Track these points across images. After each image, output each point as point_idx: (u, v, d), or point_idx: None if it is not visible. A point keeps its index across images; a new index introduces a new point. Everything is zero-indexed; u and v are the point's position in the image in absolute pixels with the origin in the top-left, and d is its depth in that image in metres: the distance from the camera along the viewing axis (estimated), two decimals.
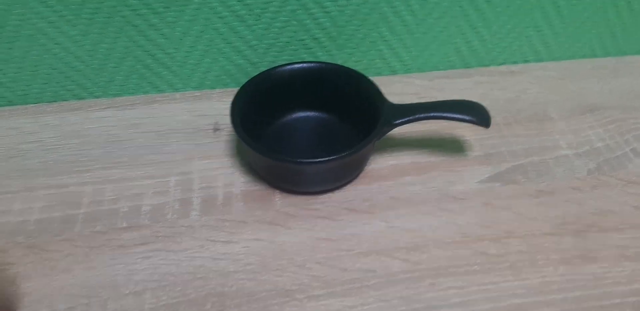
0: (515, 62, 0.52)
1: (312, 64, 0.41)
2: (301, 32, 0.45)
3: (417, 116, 0.37)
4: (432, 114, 0.37)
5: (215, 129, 0.41)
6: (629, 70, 0.51)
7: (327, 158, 0.33)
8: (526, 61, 0.52)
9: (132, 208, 0.36)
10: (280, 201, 0.37)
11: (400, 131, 0.43)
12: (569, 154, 0.42)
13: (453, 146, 0.42)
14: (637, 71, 0.51)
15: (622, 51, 0.53)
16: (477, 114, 0.38)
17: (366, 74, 0.50)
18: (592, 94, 0.48)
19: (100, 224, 0.35)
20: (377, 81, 0.49)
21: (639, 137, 0.44)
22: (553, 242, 0.36)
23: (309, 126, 0.42)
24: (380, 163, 0.41)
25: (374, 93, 0.38)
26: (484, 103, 0.45)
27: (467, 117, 0.38)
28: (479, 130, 0.44)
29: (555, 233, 0.37)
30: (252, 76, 0.46)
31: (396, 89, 0.48)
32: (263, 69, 0.46)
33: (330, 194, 0.38)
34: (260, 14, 0.43)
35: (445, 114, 0.37)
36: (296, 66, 0.40)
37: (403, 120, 0.37)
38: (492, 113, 0.44)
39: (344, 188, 0.38)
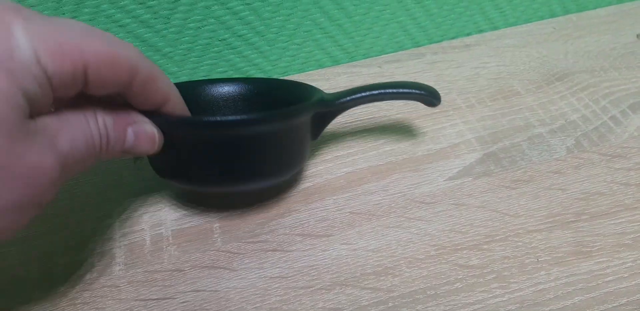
0: (469, 34, 0.47)
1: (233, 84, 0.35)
2: (221, 30, 0.39)
3: (360, 94, 0.32)
4: (376, 92, 0.32)
5: (136, 159, 0.36)
6: (593, 26, 0.46)
7: (245, 116, 0.27)
8: (481, 31, 0.47)
9: (42, 271, 0.30)
10: (221, 237, 0.32)
11: (351, 130, 0.38)
12: (543, 132, 0.38)
13: (413, 141, 0.37)
14: (601, 26, 0.46)
15: (583, 6, 0.48)
16: (424, 89, 0.33)
17: (306, 68, 0.44)
18: (557, 59, 0.43)
19: (4, 297, 0.29)
20: (319, 74, 0.43)
21: (617, 102, 0.39)
22: (540, 240, 0.31)
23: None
24: (333, 172, 0.35)
25: (309, 92, 0.32)
26: (441, 85, 0.41)
27: (415, 91, 0.33)
28: (439, 118, 0.39)
29: (541, 228, 0.32)
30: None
31: (340, 82, 0.42)
32: (184, 78, 0.40)
33: (279, 220, 0.33)
34: (169, 16, 0.37)
35: (390, 90, 0.32)
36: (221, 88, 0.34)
37: (345, 99, 0.32)
38: (451, 96, 0.40)
39: (295, 209, 0.33)
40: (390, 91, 0.32)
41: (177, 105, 0.27)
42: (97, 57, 0.21)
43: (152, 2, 0.36)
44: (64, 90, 0.21)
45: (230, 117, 0.27)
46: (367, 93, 0.32)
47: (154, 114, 0.26)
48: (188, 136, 0.28)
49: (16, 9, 0.20)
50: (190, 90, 0.31)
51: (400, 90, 0.33)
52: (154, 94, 0.25)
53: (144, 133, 0.26)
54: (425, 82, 0.38)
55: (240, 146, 0.28)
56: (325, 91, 0.32)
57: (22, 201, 0.20)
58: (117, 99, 0.25)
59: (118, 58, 0.22)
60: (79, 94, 0.23)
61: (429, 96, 0.33)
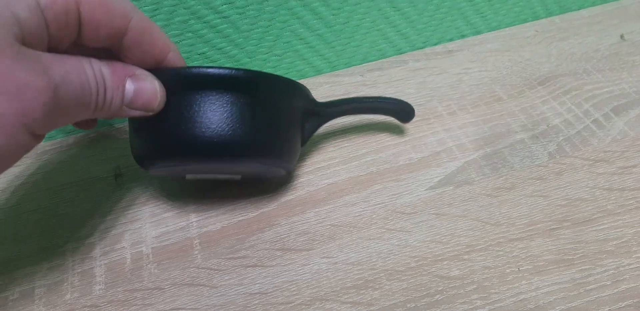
0: (451, 39, 0.47)
1: None
2: (199, 44, 0.39)
3: (343, 103, 0.34)
4: (356, 103, 0.35)
5: (117, 176, 0.36)
6: (577, 28, 0.46)
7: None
8: (463, 36, 0.47)
9: (23, 292, 0.30)
10: (201, 253, 0.32)
11: (332, 141, 0.38)
12: (525, 138, 0.37)
13: (394, 151, 0.37)
14: (585, 28, 0.46)
15: (565, 8, 0.48)
16: (399, 104, 0.36)
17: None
18: (540, 63, 0.43)
19: None
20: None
21: (599, 105, 0.39)
22: (521, 249, 0.31)
23: None
24: (314, 185, 0.35)
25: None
26: (423, 93, 0.40)
27: (391, 106, 0.36)
28: (421, 127, 0.39)
29: (522, 237, 0.32)
30: None
31: (322, 92, 0.42)
32: None
33: (259, 235, 0.33)
34: None
35: (367, 103, 0.35)
36: None
37: (334, 107, 0.34)
38: (432, 103, 0.40)
39: (276, 223, 0.33)
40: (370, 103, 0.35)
41: (179, 59, 0.26)
42: None
43: None
44: (57, 28, 0.21)
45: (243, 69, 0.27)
46: (354, 104, 0.35)
47: (158, 69, 0.25)
48: (191, 90, 0.26)
49: None
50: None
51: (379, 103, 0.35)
52: (151, 46, 0.24)
53: (144, 86, 0.24)
54: (407, 90, 0.38)
55: (237, 104, 0.27)
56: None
57: (9, 118, 0.19)
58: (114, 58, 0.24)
59: (111, 2, 0.22)
60: (73, 44, 0.22)
61: (405, 115, 0.36)
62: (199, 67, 0.27)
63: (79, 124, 0.30)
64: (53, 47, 0.21)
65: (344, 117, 0.39)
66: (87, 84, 0.22)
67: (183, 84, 0.26)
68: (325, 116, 0.34)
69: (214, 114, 0.27)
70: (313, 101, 0.33)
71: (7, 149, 0.20)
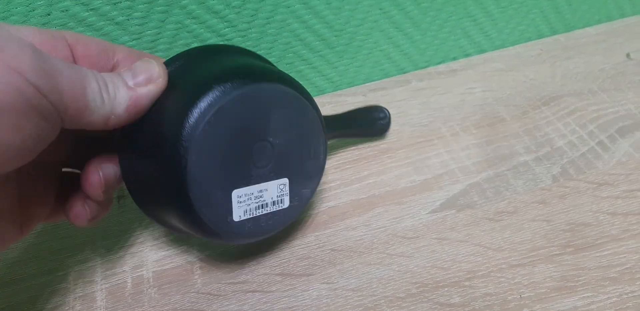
0: (455, 59, 0.46)
1: None
2: None
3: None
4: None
5: (120, 197, 0.36)
6: (582, 47, 0.46)
7: None
8: (467, 55, 0.47)
9: None
10: (201, 278, 0.32)
11: (333, 163, 0.38)
12: (528, 160, 0.37)
13: (396, 173, 0.37)
14: (589, 47, 0.46)
15: (570, 26, 0.48)
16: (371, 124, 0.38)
17: None
18: (544, 83, 0.43)
19: None
20: None
21: (605, 126, 0.39)
22: (524, 275, 0.31)
23: None
24: (314, 208, 0.35)
25: None
26: (426, 113, 0.40)
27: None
28: (423, 148, 0.38)
29: (524, 263, 0.31)
30: None
31: (326, 112, 0.42)
32: None
33: (259, 259, 0.33)
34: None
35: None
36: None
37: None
38: (436, 124, 0.39)
39: (276, 247, 0.33)
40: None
41: (134, 56, 0.27)
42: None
43: (131, 43, 0.36)
44: None
45: None
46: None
47: None
48: None
49: None
50: None
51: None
52: (85, 50, 0.25)
53: (138, 65, 0.24)
54: (410, 110, 0.38)
55: None
56: None
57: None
58: None
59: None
60: None
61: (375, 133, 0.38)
62: None
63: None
64: None
65: (345, 139, 0.39)
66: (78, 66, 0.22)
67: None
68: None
69: None
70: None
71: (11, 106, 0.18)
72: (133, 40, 0.36)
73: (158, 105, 0.25)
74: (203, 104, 0.24)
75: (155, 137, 0.24)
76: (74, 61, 0.25)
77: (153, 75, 0.24)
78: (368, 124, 0.38)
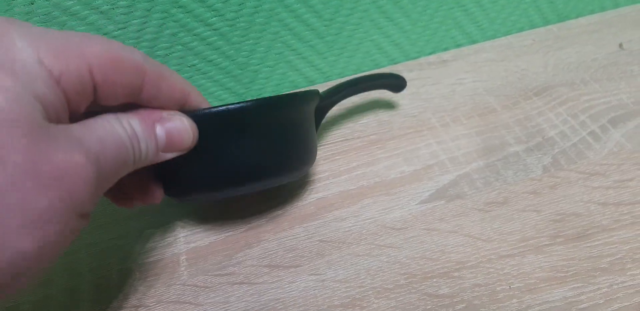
0: (446, 49, 0.46)
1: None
2: (190, 56, 0.39)
3: (341, 89, 0.35)
4: (352, 86, 0.36)
5: None
6: (574, 37, 0.45)
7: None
8: (459, 46, 0.46)
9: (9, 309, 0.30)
10: (187, 270, 0.31)
11: (322, 154, 0.37)
12: (519, 151, 0.37)
13: (385, 164, 0.37)
14: (582, 37, 0.45)
15: (563, 16, 0.47)
16: (391, 77, 0.37)
17: (281, 90, 0.44)
18: (536, 73, 0.42)
19: None
20: None
21: (596, 116, 0.38)
22: (513, 266, 0.31)
23: None
24: (303, 199, 0.35)
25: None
26: (416, 103, 0.40)
27: (385, 81, 0.37)
28: (413, 139, 0.38)
29: (514, 253, 0.31)
30: None
31: None
32: None
33: (247, 251, 0.32)
34: (135, 45, 0.37)
35: (364, 84, 0.36)
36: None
37: (334, 93, 0.34)
38: (426, 114, 0.39)
39: (264, 239, 0.33)
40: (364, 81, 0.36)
41: (200, 99, 0.26)
42: (100, 58, 0.21)
43: (116, 33, 0.36)
44: (75, 95, 0.20)
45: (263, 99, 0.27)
46: (350, 88, 0.36)
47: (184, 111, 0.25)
48: (218, 128, 0.26)
49: (12, 20, 0.20)
50: None
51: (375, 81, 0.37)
52: (170, 92, 0.24)
53: (174, 127, 0.24)
54: (400, 101, 0.38)
55: (266, 133, 0.28)
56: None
57: (57, 207, 0.18)
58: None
59: (121, 58, 0.21)
60: (92, 104, 0.22)
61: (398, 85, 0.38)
62: (219, 107, 0.26)
63: (120, 202, 0.28)
64: (73, 112, 0.21)
65: (334, 129, 0.38)
66: (121, 143, 0.22)
67: (210, 125, 0.26)
68: (329, 105, 0.35)
69: (248, 147, 0.27)
70: (320, 97, 0.32)
71: (60, 239, 0.19)
72: (118, 29, 0.35)
73: None
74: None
75: None
76: (157, 95, 0.24)
77: (185, 145, 0.25)
78: (388, 77, 0.38)
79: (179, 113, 0.25)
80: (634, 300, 0.28)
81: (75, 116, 0.21)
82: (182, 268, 0.31)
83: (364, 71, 0.45)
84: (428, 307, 0.29)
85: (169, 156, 0.24)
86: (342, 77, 0.44)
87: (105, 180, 0.21)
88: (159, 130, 0.24)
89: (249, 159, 0.27)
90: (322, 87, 0.43)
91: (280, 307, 0.29)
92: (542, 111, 0.39)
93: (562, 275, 0.30)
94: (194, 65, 0.40)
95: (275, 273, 0.31)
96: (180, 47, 0.38)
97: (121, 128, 0.22)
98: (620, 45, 0.44)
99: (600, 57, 0.43)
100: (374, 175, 0.36)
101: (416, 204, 0.34)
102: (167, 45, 0.38)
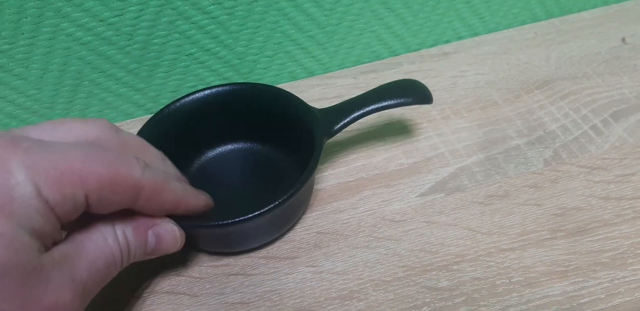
0: (448, 41, 0.45)
1: (216, 89, 0.33)
2: (187, 45, 0.38)
3: (354, 114, 0.32)
4: (370, 108, 0.32)
5: None
6: (577, 30, 0.45)
7: (266, 208, 0.27)
8: (460, 38, 0.46)
9: None
10: (182, 260, 0.31)
11: None
12: (520, 144, 0.36)
13: (385, 156, 0.36)
14: (584, 30, 0.45)
15: (566, 9, 0.47)
16: (414, 93, 0.33)
17: (280, 80, 0.43)
18: (538, 66, 0.42)
19: None
20: (293, 86, 0.43)
21: (598, 110, 0.38)
22: (513, 259, 0.30)
23: (236, 161, 0.35)
24: None
25: (296, 105, 0.32)
26: None
27: (406, 100, 0.32)
28: (413, 132, 0.37)
29: (514, 247, 0.31)
30: (140, 102, 0.40)
31: (314, 95, 0.41)
32: (152, 94, 0.39)
33: None
34: (132, 33, 0.36)
35: (383, 104, 0.32)
36: (199, 94, 0.33)
37: (342, 124, 0.31)
38: (426, 107, 0.39)
39: None
40: (382, 105, 0.32)
41: (190, 205, 0.26)
42: (98, 182, 0.21)
43: (113, 20, 0.35)
44: (67, 216, 0.21)
45: (240, 218, 0.26)
46: (361, 112, 0.32)
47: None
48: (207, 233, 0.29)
49: (15, 141, 0.20)
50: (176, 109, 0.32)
51: (395, 101, 0.32)
52: (163, 204, 0.25)
53: (165, 233, 0.25)
54: None
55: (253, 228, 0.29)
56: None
57: None
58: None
59: (119, 180, 0.22)
60: (85, 214, 0.22)
61: (419, 102, 0.33)
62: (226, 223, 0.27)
63: None
64: (64, 223, 0.22)
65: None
66: (112, 260, 0.23)
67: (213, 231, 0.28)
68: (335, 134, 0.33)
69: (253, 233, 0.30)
70: (326, 130, 0.31)
71: None
72: (114, 16, 0.35)
73: None
74: None
75: None
76: (149, 207, 0.25)
77: (171, 250, 0.26)
78: (413, 92, 0.34)
79: (171, 221, 0.26)
80: (635, 295, 0.28)
81: (67, 225, 0.22)
82: (177, 259, 0.31)
83: (364, 63, 0.44)
84: (427, 300, 0.28)
85: (156, 254, 0.26)
86: (342, 68, 0.44)
87: (90, 295, 0.23)
88: (150, 236, 0.25)
89: (254, 237, 0.30)
90: (320, 79, 0.42)
91: (276, 299, 0.29)
92: (544, 105, 0.39)
93: (563, 269, 0.30)
94: (191, 54, 0.39)
95: (272, 265, 0.30)
96: (177, 35, 0.37)
97: (115, 242, 0.23)
98: (623, 39, 0.44)
99: (603, 51, 0.43)
100: (373, 167, 0.35)
101: (415, 197, 0.34)
102: (165, 34, 0.37)
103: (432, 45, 0.45)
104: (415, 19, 0.43)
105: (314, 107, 0.32)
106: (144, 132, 0.30)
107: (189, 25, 0.37)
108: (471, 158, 0.35)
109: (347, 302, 0.29)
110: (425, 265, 0.30)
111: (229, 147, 0.36)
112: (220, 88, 0.33)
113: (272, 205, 0.26)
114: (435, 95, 0.39)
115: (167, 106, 0.32)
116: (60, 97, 0.38)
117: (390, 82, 0.34)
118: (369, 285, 0.29)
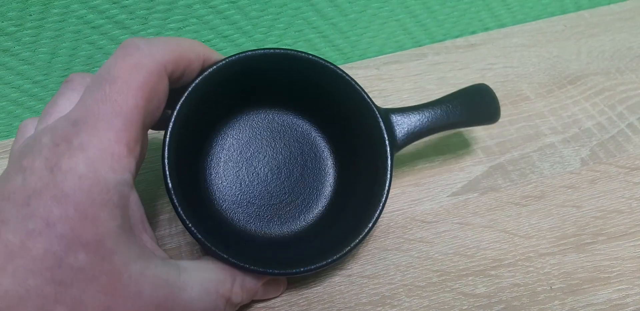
0: (474, 32, 0.43)
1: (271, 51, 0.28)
2: (204, 30, 0.36)
3: (431, 126, 0.28)
4: (449, 123, 0.28)
5: None
6: (607, 24, 0.43)
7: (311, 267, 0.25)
8: (487, 29, 0.44)
9: None
10: None
11: None
12: (555, 142, 0.35)
13: (413, 152, 0.34)
14: (616, 24, 0.43)
15: (596, 2, 0.45)
16: (487, 111, 0.30)
17: None
18: (569, 60, 0.40)
19: None
20: None
21: (634, 108, 0.36)
22: (554, 265, 0.28)
23: (274, 137, 0.31)
24: None
25: (358, 94, 0.28)
26: (443, 89, 0.37)
27: (480, 120, 0.30)
28: None
29: (554, 251, 0.29)
30: None
31: None
32: None
33: None
34: (146, 16, 0.34)
35: (462, 120, 0.29)
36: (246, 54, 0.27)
37: (413, 135, 0.28)
38: None
39: None
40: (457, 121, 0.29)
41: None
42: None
43: (127, 2, 0.32)
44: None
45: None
46: (440, 125, 0.28)
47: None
48: None
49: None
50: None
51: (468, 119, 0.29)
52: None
53: (273, 285, 0.27)
54: (427, 86, 0.35)
55: None
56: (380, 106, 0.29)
57: None
58: None
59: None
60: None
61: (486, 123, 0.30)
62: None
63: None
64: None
65: None
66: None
67: None
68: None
69: None
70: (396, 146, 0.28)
71: None
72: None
73: None
74: None
75: None
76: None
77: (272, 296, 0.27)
78: (486, 110, 0.30)
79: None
80: None
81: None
82: None
83: (386, 53, 0.42)
84: (464, 308, 0.27)
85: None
86: (363, 58, 0.42)
87: None
88: (261, 291, 0.26)
89: None
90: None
91: (303, 303, 0.27)
92: (578, 101, 0.37)
93: (606, 275, 0.28)
94: (208, 40, 0.37)
95: None
96: (194, 20, 0.35)
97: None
98: None
99: (636, 45, 0.41)
100: (401, 164, 0.34)
101: (447, 196, 0.32)
102: (181, 18, 0.35)
103: (457, 36, 0.43)
104: (442, 8, 0.41)
105: (377, 106, 0.28)
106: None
107: (206, 10, 0.35)
108: (504, 156, 0.34)
109: (379, 308, 0.27)
110: (460, 270, 0.28)
111: (270, 113, 0.32)
112: (280, 51, 0.28)
113: (341, 254, 0.25)
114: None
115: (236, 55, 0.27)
116: None
117: (466, 90, 0.31)
118: (401, 290, 0.28)
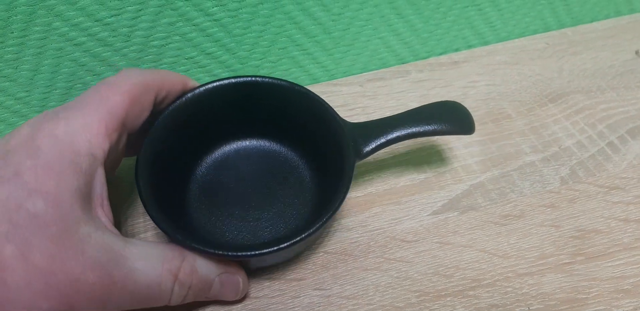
0: (457, 50, 0.44)
1: (238, 79, 0.30)
2: (188, 48, 0.36)
3: (390, 136, 0.28)
4: (410, 131, 0.29)
5: None
6: (589, 42, 0.43)
7: (289, 242, 0.25)
8: (470, 47, 0.44)
9: None
10: None
11: None
12: (535, 160, 0.35)
13: (394, 170, 0.34)
14: (598, 42, 0.43)
15: (578, 20, 0.46)
16: (458, 121, 0.30)
17: None
18: (551, 78, 0.40)
19: None
20: None
21: (614, 126, 0.37)
22: (532, 285, 0.29)
23: (249, 157, 0.33)
24: None
25: (323, 110, 0.29)
26: None
27: (450, 128, 0.29)
28: (424, 144, 0.36)
29: (532, 272, 0.29)
30: None
31: None
32: None
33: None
34: (129, 34, 0.34)
35: (425, 128, 0.29)
36: (215, 84, 0.30)
37: (375, 145, 0.28)
38: None
39: None
40: (424, 129, 0.29)
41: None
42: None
43: (109, 20, 0.33)
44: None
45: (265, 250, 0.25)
46: (399, 134, 0.29)
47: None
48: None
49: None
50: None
51: (433, 128, 0.29)
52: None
53: (229, 283, 0.26)
54: (409, 103, 0.36)
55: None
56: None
57: None
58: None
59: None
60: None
61: (461, 132, 0.30)
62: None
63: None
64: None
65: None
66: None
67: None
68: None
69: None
70: (357, 150, 0.28)
71: None
72: (111, 16, 0.32)
73: None
74: None
75: None
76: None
77: (228, 299, 0.27)
78: (457, 119, 0.30)
79: (241, 274, 0.27)
80: None
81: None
82: None
83: (370, 70, 0.42)
84: None
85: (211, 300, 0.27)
86: (348, 75, 0.42)
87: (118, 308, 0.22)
88: (216, 283, 0.26)
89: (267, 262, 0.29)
90: (325, 86, 0.41)
91: None
92: (558, 119, 0.38)
93: (584, 296, 0.28)
94: (191, 58, 0.37)
95: (277, 287, 0.28)
96: (177, 37, 0.35)
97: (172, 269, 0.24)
98: (637, 52, 0.43)
99: (617, 64, 0.42)
100: (383, 182, 0.34)
101: (428, 215, 0.32)
102: (164, 36, 0.35)
103: (441, 54, 0.44)
104: (426, 26, 0.41)
105: (343, 119, 0.29)
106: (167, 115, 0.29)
107: (190, 28, 0.35)
108: (485, 175, 0.34)
109: None
110: (439, 290, 0.28)
111: (244, 143, 0.34)
112: (246, 79, 0.30)
113: (299, 237, 0.24)
114: None
115: (191, 91, 0.29)
116: (51, 100, 0.35)
117: (432, 104, 0.31)
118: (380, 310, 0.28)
